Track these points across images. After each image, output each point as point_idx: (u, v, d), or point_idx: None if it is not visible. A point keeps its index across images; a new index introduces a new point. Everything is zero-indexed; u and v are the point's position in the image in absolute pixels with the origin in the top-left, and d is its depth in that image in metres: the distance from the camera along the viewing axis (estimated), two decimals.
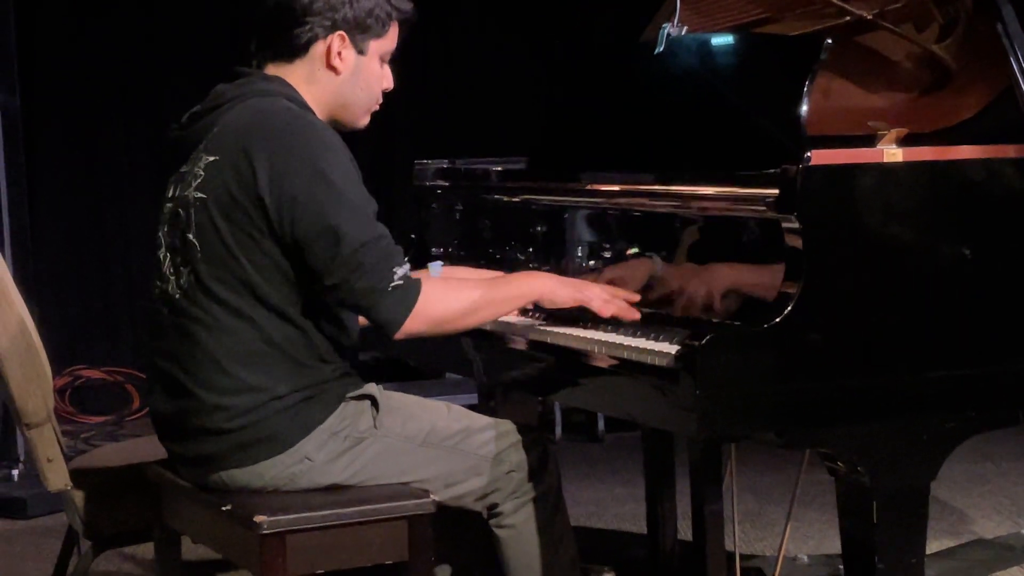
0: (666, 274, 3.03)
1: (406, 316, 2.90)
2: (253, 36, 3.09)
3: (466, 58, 7.42)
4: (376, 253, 2.88)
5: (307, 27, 3.02)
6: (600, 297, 3.04)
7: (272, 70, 3.06)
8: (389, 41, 3.11)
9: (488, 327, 3.21)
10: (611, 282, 3.14)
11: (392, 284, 2.88)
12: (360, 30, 3.06)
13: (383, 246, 2.90)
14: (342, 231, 2.86)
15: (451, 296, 2.98)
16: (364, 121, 3.16)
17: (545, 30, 7.13)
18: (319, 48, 3.04)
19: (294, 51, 3.04)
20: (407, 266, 2.93)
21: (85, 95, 7.07)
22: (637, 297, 3.04)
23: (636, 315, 3.00)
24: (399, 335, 2.92)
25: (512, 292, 3.06)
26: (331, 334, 3.00)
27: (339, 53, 3.04)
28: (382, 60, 3.12)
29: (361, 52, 3.07)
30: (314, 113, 3.03)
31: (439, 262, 3.45)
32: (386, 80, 3.14)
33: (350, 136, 3.10)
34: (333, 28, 3.03)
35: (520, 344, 3.14)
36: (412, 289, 2.91)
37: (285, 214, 2.87)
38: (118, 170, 7.14)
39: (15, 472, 5.55)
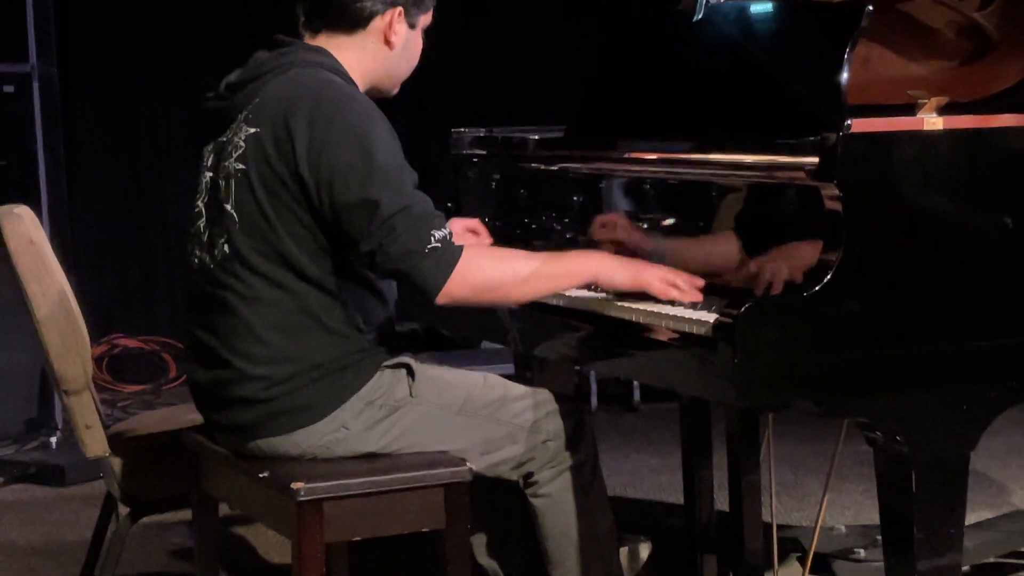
0: (703, 243, 3.02)
1: (446, 279, 2.85)
2: (302, 4, 3.08)
3: (503, 25, 7.39)
4: (411, 218, 2.85)
5: (370, 1, 3.02)
6: (662, 279, 2.91)
7: (323, 40, 3.06)
8: (431, 14, 3.15)
9: None
10: (646, 250, 3.13)
11: (429, 246, 2.85)
12: (415, 5, 3.08)
13: (418, 211, 2.87)
14: (377, 199, 2.84)
15: (498, 264, 2.94)
16: (396, 90, 3.18)
17: None
18: (378, 23, 3.05)
19: (354, 24, 3.04)
20: (447, 231, 2.88)
21: (123, 63, 7.08)
22: (701, 281, 2.92)
23: (698, 297, 2.88)
24: (441, 299, 2.87)
25: (568, 268, 2.97)
26: (368, 304, 2.99)
27: (395, 29, 3.05)
28: (423, 32, 3.14)
29: (412, 27, 3.10)
30: (356, 86, 3.03)
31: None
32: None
33: (386, 104, 3.10)
34: (393, 4, 3.05)
35: (557, 313, 3.13)
36: (451, 252, 2.87)
37: (323, 186, 2.87)
38: (156, 139, 7.16)
39: (53, 439, 5.60)
